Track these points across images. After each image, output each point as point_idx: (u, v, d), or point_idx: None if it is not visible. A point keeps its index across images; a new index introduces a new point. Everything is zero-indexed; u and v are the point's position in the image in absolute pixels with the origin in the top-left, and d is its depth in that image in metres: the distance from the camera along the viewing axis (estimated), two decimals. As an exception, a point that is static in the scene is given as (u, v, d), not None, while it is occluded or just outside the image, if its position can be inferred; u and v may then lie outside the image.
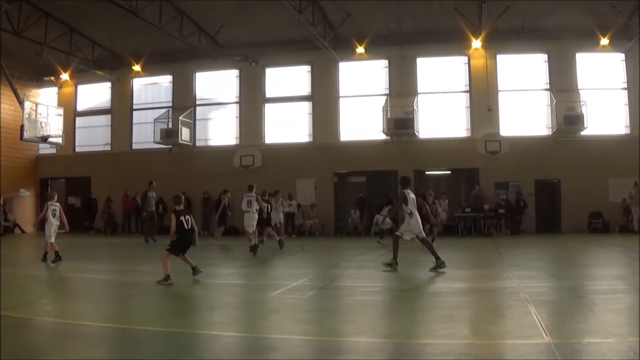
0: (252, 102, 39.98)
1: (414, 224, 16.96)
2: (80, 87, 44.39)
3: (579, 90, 34.73)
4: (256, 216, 24.23)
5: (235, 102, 40.72)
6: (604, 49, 34.16)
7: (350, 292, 13.38)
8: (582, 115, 33.76)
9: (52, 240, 20.79)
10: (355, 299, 12.34)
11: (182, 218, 15.46)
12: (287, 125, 39.57)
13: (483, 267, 17.87)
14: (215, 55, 38.90)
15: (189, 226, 15.54)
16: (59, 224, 21.37)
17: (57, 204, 21.37)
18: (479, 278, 15.52)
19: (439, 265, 16.32)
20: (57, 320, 10.48)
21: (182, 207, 15.83)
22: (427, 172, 37.70)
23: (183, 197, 16.14)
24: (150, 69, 41.70)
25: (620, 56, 34.84)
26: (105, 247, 26.56)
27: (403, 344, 8.03)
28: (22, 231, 41.36)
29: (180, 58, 40.01)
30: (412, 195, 17.19)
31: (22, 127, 31.65)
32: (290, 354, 7.61)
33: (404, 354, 7.48)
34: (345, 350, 7.80)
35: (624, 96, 34.85)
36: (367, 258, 20.72)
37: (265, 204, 25.53)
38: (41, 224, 22.58)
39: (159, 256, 20.07)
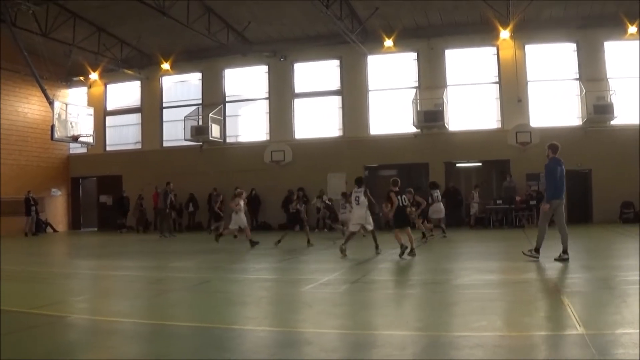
0: (281, 98, 40.09)
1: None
2: (109, 87, 44.81)
3: (608, 80, 34.48)
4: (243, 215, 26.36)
5: (265, 98, 40.83)
6: (632, 37, 33.78)
7: (383, 285, 13.43)
8: (612, 104, 33.46)
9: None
10: (388, 292, 12.39)
11: (399, 197, 19.14)
12: (317, 120, 39.63)
13: (515, 259, 17.79)
14: (243, 51, 39.05)
15: (404, 204, 19.43)
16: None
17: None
18: (512, 270, 15.46)
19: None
20: (91, 317, 10.57)
21: (397, 188, 19.44)
22: (457, 164, 37.60)
23: (399, 181, 19.86)
24: (179, 67, 41.92)
25: (649, 44, 34.45)
26: (137, 244, 26.69)
27: (437, 336, 8.05)
28: (54, 230, 41.77)
29: (209, 55, 40.20)
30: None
31: (52, 127, 31.85)
32: (325, 348, 7.65)
33: (438, 346, 7.50)
34: (379, 344, 7.82)
35: (653, 84, 34.39)
36: (399, 251, 20.74)
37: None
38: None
39: (191, 252, 20.31)
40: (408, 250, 18.52)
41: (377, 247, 20.04)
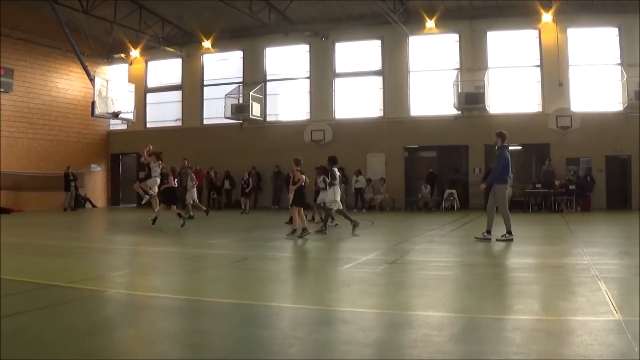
0: (322, 77, 40.09)
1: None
2: (150, 64, 45.07)
3: (649, 65, 34.11)
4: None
5: (306, 77, 40.87)
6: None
7: (421, 266, 13.42)
8: (652, 90, 33.13)
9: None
10: (427, 274, 12.38)
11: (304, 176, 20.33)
12: (358, 100, 39.62)
13: (554, 243, 17.79)
14: (285, 30, 39.09)
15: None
16: None
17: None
18: (550, 254, 15.45)
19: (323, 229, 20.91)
20: (129, 292, 10.74)
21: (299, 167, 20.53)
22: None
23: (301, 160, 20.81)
24: (221, 45, 42.05)
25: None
26: (175, 220, 26.84)
27: (474, 318, 8.08)
28: (93, 205, 42.20)
29: (250, 34, 40.28)
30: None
31: (93, 103, 32.16)
32: (362, 327, 7.69)
33: (476, 329, 7.53)
34: (416, 324, 7.85)
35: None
36: (438, 233, 20.74)
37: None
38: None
39: (229, 229, 20.45)
40: (299, 231, 19.55)
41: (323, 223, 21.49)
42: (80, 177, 40.87)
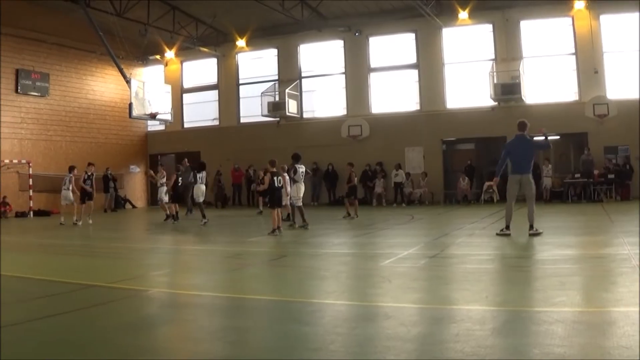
0: (357, 72, 40.12)
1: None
2: (186, 64, 45.41)
3: (683, 51, 33.69)
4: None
5: (341, 73, 40.89)
6: None
7: (462, 260, 13.39)
8: (687, 76, 32.75)
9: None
10: (467, 267, 12.35)
11: (274, 178, 20.10)
12: (394, 94, 39.55)
13: (594, 234, 17.68)
14: (318, 27, 39.11)
15: (280, 185, 20.27)
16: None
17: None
18: (590, 245, 15.37)
19: (293, 224, 22.16)
20: (172, 291, 10.90)
21: (274, 169, 20.42)
22: (535, 138, 37.15)
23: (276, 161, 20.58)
24: (255, 44, 42.25)
25: None
26: (216, 219, 26.92)
27: (517, 311, 8.06)
28: (133, 206, 42.60)
29: (284, 31, 40.39)
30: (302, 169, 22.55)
31: (130, 105, 32.45)
32: (404, 322, 7.69)
33: (518, 321, 7.51)
34: (458, 318, 7.84)
35: None
36: (478, 226, 20.68)
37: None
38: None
39: (266, 229, 20.56)
40: (270, 230, 19.88)
41: (291, 220, 22.75)
42: (120, 178, 41.27)
